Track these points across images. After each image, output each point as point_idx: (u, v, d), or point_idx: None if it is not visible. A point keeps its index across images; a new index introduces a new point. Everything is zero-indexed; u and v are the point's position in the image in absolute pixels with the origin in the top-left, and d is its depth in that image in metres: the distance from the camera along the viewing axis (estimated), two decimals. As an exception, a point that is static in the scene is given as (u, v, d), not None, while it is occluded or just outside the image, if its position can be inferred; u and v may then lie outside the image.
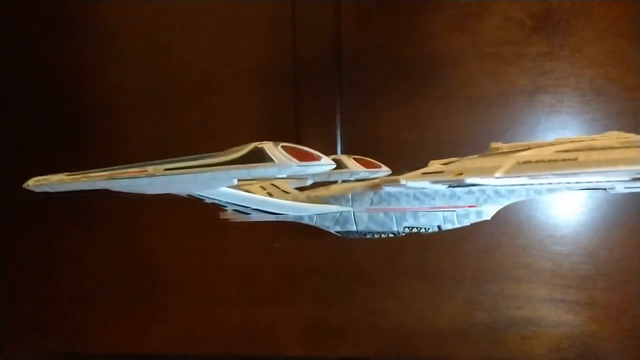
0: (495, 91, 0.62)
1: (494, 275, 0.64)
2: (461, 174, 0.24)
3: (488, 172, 0.22)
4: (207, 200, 0.31)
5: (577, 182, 0.29)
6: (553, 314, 0.64)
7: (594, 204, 0.63)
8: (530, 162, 0.22)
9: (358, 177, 0.40)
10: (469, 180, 0.24)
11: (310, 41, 0.64)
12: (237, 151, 0.25)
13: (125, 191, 0.27)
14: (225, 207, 0.33)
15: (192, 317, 0.70)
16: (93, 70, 0.69)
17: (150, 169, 0.26)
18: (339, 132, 0.65)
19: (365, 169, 0.39)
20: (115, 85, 0.69)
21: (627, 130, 0.64)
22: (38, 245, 0.72)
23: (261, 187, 0.36)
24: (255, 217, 0.34)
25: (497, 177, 0.22)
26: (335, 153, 0.64)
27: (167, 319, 0.70)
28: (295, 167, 0.24)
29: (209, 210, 0.71)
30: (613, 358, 0.64)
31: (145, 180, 0.26)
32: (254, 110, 0.67)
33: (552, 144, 0.25)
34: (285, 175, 0.26)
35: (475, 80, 0.62)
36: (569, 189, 0.31)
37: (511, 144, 0.32)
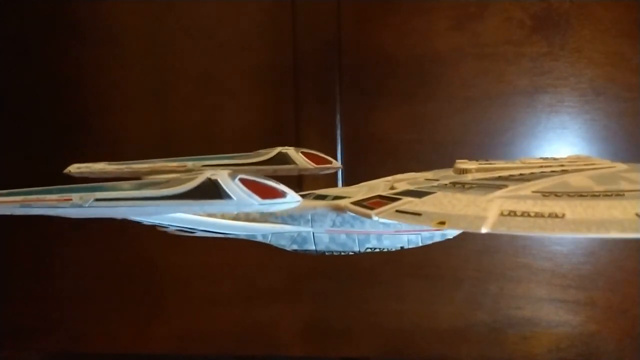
0: (495, 91, 0.62)
1: (494, 276, 0.64)
2: (443, 223, 0.22)
3: (473, 226, 0.21)
4: (145, 223, 0.27)
5: None
6: (553, 314, 0.64)
7: (594, 204, 0.63)
8: (515, 214, 0.21)
9: (306, 173, 0.37)
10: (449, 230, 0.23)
11: (310, 41, 0.64)
12: (186, 181, 0.21)
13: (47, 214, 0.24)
14: (166, 227, 0.30)
15: (192, 317, 0.70)
16: (93, 70, 0.69)
17: (75, 196, 0.22)
18: (339, 132, 0.65)
19: (315, 165, 0.37)
20: (115, 85, 0.69)
21: (627, 130, 0.64)
22: (38, 246, 0.72)
23: None
24: (201, 234, 0.31)
25: (483, 232, 0.21)
26: (336, 153, 0.64)
27: (167, 319, 0.70)
28: (257, 205, 0.21)
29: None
30: (613, 358, 0.64)
31: (70, 210, 0.22)
32: (254, 110, 0.67)
33: (522, 176, 0.25)
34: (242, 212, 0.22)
35: (475, 80, 0.62)
36: None
37: (479, 165, 0.30)
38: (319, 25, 0.64)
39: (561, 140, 0.62)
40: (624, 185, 0.22)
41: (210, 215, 0.30)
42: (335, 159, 0.65)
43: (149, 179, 0.22)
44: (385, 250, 0.32)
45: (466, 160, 0.31)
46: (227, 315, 0.69)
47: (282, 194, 0.22)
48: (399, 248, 0.32)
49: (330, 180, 0.62)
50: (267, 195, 0.21)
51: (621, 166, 0.26)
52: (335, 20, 0.64)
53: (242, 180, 0.21)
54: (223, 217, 0.29)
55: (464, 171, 0.30)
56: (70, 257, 0.71)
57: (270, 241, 0.32)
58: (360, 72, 0.64)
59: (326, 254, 0.32)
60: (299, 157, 0.36)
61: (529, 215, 0.21)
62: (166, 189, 0.21)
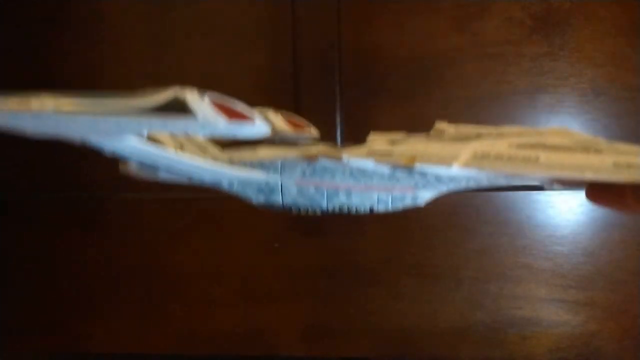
0: (496, 91, 0.62)
1: (494, 275, 0.64)
2: (413, 159, 0.22)
3: (444, 162, 0.21)
4: (106, 151, 0.26)
5: (521, 179, 0.28)
6: (553, 314, 0.64)
7: (594, 204, 0.63)
8: (489, 156, 0.21)
9: (283, 137, 0.35)
10: (419, 168, 0.22)
11: (310, 41, 0.64)
12: (151, 96, 0.20)
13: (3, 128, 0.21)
14: (127, 161, 0.29)
15: (192, 317, 0.70)
16: (93, 70, 0.69)
17: (35, 103, 0.20)
18: (339, 132, 0.65)
19: (292, 129, 0.36)
20: (115, 85, 0.69)
21: (627, 130, 0.64)
22: (38, 245, 0.72)
23: (172, 137, 0.30)
24: (164, 176, 0.30)
25: (454, 169, 0.21)
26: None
27: (167, 319, 0.70)
28: (223, 126, 0.20)
29: (210, 210, 0.70)
30: (613, 358, 0.64)
31: (28, 121, 0.20)
32: (254, 110, 0.67)
33: (501, 134, 0.24)
34: (207, 135, 0.21)
35: (475, 80, 0.62)
36: (508, 183, 0.29)
37: (458, 126, 0.31)
38: (319, 26, 0.64)
39: (561, 140, 0.62)
40: (603, 147, 0.21)
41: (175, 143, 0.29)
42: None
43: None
44: (354, 210, 0.31)
45: (445, 124, 0.31)
46: (227, 315, 0.69)
47: (251, 119, 0.21)
48: (369, 209, 0.31)
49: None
50: (234, 117, 0.20)
51: (603, 140, 0.25)
52: (335, 20, 0.64)
53: (211, 100, 0.20)
54: (191, 158, 0.27)
55: (442, 132, 0.30)
56: (70, 257, 0.71)
57: (236, 190, 0.31)
58: (360, 72, 0.64)
59: (292, 210, 0.31)
60: (277, 120, 0.34)
61: (502, 158, 0.21)
62: (130, 102, 0.20)
